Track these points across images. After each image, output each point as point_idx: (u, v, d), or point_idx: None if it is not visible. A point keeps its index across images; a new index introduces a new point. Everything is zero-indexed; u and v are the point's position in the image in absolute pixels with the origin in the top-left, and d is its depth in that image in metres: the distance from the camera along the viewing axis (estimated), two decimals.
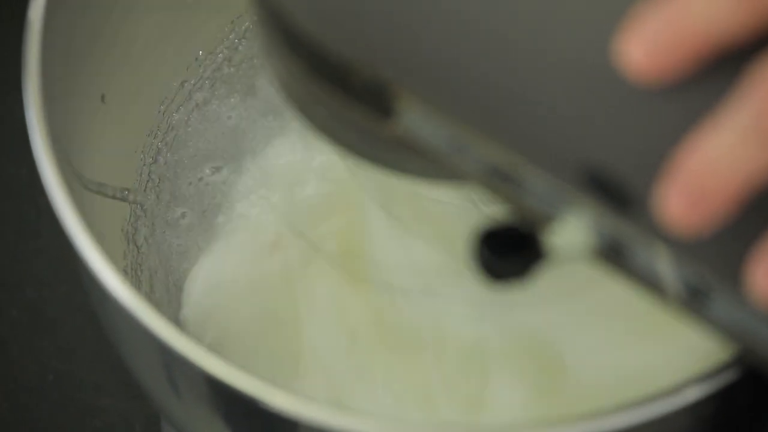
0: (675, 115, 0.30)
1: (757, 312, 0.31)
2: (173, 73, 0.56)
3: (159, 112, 0.55)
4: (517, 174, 0.32)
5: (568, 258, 0.33)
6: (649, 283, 0.32)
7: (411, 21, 0.32)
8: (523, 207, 0.33)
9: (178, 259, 0.53)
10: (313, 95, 0.35)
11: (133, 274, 0.51)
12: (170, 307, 0.51)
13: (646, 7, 0.29)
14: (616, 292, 0.40)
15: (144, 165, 0.54)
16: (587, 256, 0.33)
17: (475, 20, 0.31)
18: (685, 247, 0.31)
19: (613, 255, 0.32)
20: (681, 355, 0.46)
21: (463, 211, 0.50)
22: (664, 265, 0.31)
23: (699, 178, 0.28)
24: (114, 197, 0.52)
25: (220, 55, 0.57)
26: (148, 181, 0.54)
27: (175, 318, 0.51)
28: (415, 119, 0.33)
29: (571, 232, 0.32)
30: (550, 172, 0.32)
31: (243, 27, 0.57)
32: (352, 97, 0.34)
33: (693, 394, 0.36)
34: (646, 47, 0.29)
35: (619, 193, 0.31)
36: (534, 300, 0.48)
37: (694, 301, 0.32)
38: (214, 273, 0.52)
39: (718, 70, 0.29)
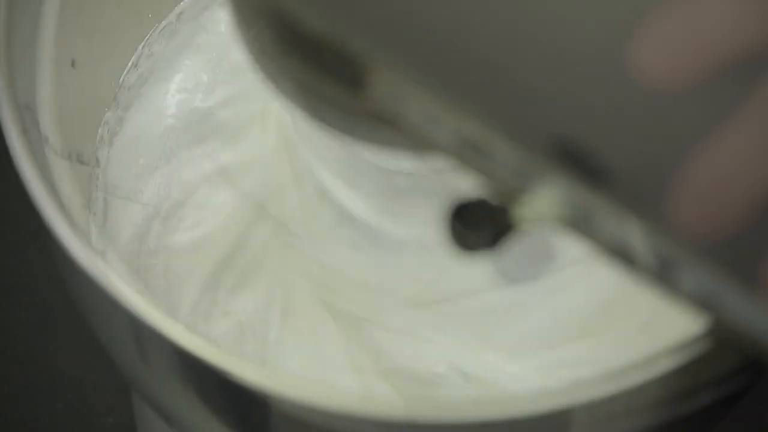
0: (648, 89, 0.30)
1: (726, 283, 0.31)
2: (144, 37, 0.56)
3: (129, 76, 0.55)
4: (488, 146, 0.32)
5: (539, 229, 0.33)
6: (619, 253, 0.32)
7: None
8: (493, 179, 0.33)
9: None
10: (284, 67, 0.35)
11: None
12: None
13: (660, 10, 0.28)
14: None
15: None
16: (557, 227, 0.33)
17: None
18: (657, 222, 0.31)
19: (583, 226, 0.32)
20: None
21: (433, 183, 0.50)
22: (635, 237, 0.31)
23: (714, 186, 0.28)
24: (84, 163, 0.52)
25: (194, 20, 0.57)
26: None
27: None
28: (386, 91, 0.33)
29: (542, 204, 0.32)
30: (521, 144, 0.32)
31: None
32: (322, 68, 0.34)
33: (663, 365, 0.36)
34: (660, 50, 0.28)
35: (590, 165, 0.31)
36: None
37: (664, 273, 0.32)
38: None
39: None
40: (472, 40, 0.31)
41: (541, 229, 0.33)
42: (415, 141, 0.34)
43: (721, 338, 0.36)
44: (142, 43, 0.55)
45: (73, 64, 0.51)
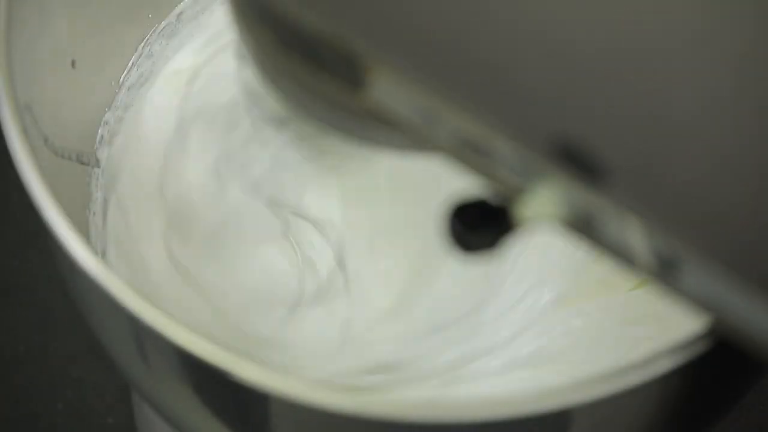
0: (647, 88, 0.30)
1: (727, 283, 0.31)
2: (144, 37, 0.56)
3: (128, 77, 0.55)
4: (489, 145, 0.32)
5: (539, 229, 0.33)
6: (619, 253, 0.32)
7: None
8: (494, 179, 0.33)
9: None
10: (283, 67, 0.35)
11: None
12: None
13: None
14: None
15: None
16: (558, 227, 0.33)
17: None
18: (655, 219, 0.31)
19: (583, 226, 0.32)
20: None
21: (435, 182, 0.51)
22: (635, 237, 0.31)
23: None
24: (84, 163, 0.52)
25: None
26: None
27: None
28: (386, 90, 0.33)
29: (542, 204, 0.32)
30: (522, 143, 0.31)
31: None
32: (322, 68, 0.34)
33: (664, 365, 0.36)
34: None
35: (590, 165, 0.31)
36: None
37: (664, 272, 0.32)
38: None
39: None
40: (471, 39, 0.31)
41: (541, 229, 0.33)
42: (415, 141, 0.34)
43: (721, 338, 0.36)
44: (142, 43, 0.55)
45: (73, 64, 0.51)
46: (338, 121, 0.37)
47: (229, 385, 0.37)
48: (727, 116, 0.29)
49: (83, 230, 0.51)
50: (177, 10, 0.56)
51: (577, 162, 0.31)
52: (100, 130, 0.53)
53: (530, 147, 0.31)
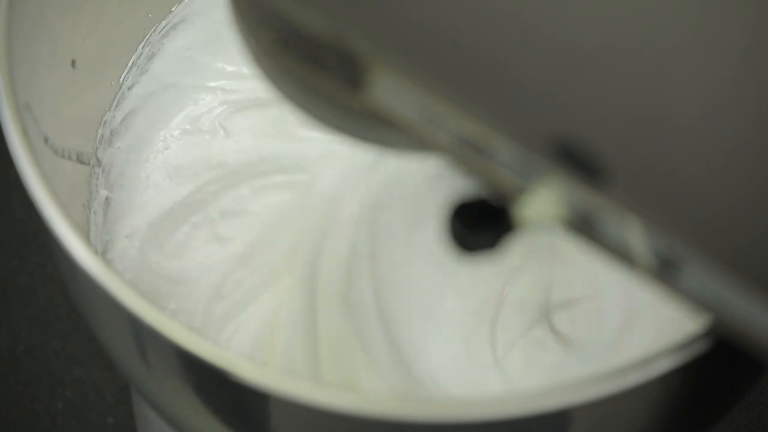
0: (647, 87, 0.30)
1: (727, 283, 0.31)
2: (144, 37, 0.56)
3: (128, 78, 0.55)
4: (489, 145, 0.32)
5: (539, 229, 0.33)
6: (619, 253, 0.32)
7: None
8: (494, 179, 0.33)
9: None
10: (284, 67, 0.35)
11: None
12: None
13: None
14: None
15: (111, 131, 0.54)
16: (558, 228, 0.33)
17: None
18: (655, 219, 0.31)
19: (583, 226, 0.32)
20: None
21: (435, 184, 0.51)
22: (635, 237, 0.31)
23: None
24: (84, 163, 0.52)
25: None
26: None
27: None
28: (387, 90, 0.33)
29: (541, 204, 0.32)
30: (522, 143, 0.31)
31: None
32: (323, 68, 0.34)
33: (664, 365, 0.36)
34: None
35: (590, 165, 0.31)
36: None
37: (664, 272, 0.32)
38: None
39: None
40: (471, 40, 0.31)
41: (541, 229, 0.33)
42: (415, 141, 0.34)
43: (721, 338, 0.36)
44: (142, 43, 0.55)
45: (73, 64, 0.51)
46: (338, 121, 0.37)
47: (229, 385, 0.37)
48: (727, 116, 0.29)
49: (83, 230, 0.51)
50: (177, 9, 0.56)
51: (577, 162, 0.31)
52: (100, 130, 0.53)
53: (530, 147, 0.31)
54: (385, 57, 0.32)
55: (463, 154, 0.33)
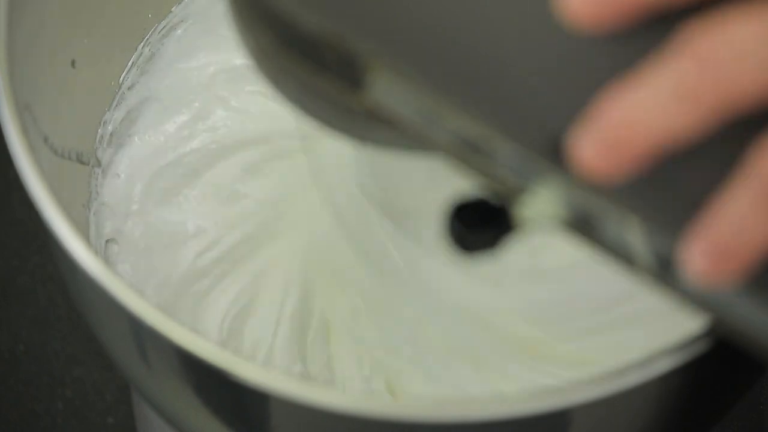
0: None
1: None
2: (144, 37, 0.56)
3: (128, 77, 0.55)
4: (489, 145, 0.32)
5: (539, 229, 0.33)
6: (619, 254, 0.32)
7: None
8: (494, 179, 0.33)
9: None
10: (284, 68, 0.35)
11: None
12: None
13: None
14: None
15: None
16: (557, 228, 0.33)
17: None
18: (654, 218, 0.31)
19: (583, 226, 0.32)
20: None
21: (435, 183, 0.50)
22: (634, 237, 0.31)
23: (615, 129, 0.30)
24: (84, 163, 0.52)
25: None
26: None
27: None
28: (387, 90, 0.33)
29: (541, 204, 0.32)
30: (522, 143, 0.31)
31: None
32: (323, 69, 0.34)
33: (663, 365, 0.36)
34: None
35: None
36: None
37: (664, 273, 0.32)
38: None
39: (656, 32, 0.30)
40: (471, 40, 0.31)
41: (540, 229, 0.33)
42: (415, 141, 0.34)
43: (721, 337, 0.36)
44: (142, 43, 0.55)
45: (73, 64, 0.51)
46: (338, 121, 0.37)
47: (229, 385, 0.37)
48: None
49: (83, 230, 0.51)
50: (177, 9, 0.56)
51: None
52: (100, 130, 0.53)
53: (530, 146, 0.31)
54: (385, 57, 0.32)
55: (463, 154, 0.33)
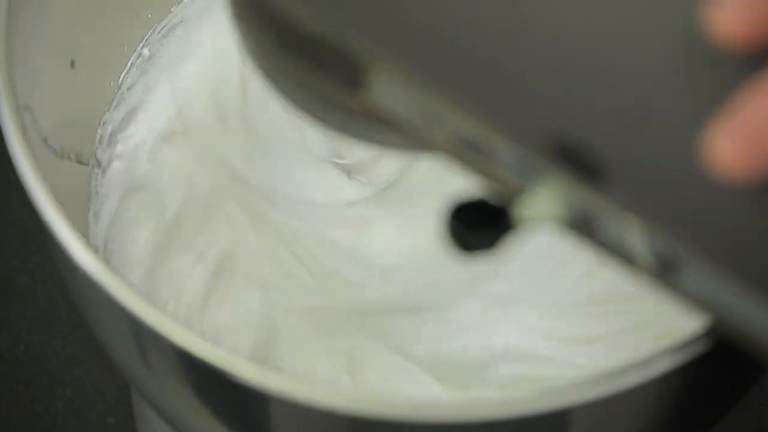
0: (644, 86, 0.30)
1: (727, 282, 0.31)
2: (144, 37, 0.56)
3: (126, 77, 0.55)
4: (489, 145, 0.32)
5: (539, 230, 0.33)
6: (619, 254, 0.32)
7: None
8: (493, 179, 0.33)
9: None
10: (284, 68, 0.35)
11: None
12: None
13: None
14: None
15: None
16: (557, 228, 0.33)
17: None
18: (655, 219, 0.31)
19: (583, 226, 0.32)
20: None
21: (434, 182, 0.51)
22: (635, 237, 0.31)
23: (759, 126, 0.28)
24: (84, 163, 0.52)
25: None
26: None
27: None
28: (386, 90, 0.33)
29: (541, 204, 0.32)
30: (522, 143, 0.31)
31: None
32: (322, 68, 0.34)
33: (663, 365, 0.36)
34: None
35: (590, 165, 0.31)
36: None
37: (664, 272, 0.32)
38: None
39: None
40: (471, 39, 0.31)
41: (540, 229, 0.33)
42: (415, 141, 0.34)
43: (721, 337, 0.36)
44: (142, 43, 0.55)
45: (72, 64, 0.51)
46: (338, 121, 0.37)
47: (229, 385, 0.37)
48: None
49: (83, 230, 0.51)
50: (177, 10, 0.56)
51: (577, 161, 0.31)
52: (99, 130, 0.53)
53: (530, 146, 0.31)
54: (384, 57, 0.32)
55: (463, 154, 0.33)
